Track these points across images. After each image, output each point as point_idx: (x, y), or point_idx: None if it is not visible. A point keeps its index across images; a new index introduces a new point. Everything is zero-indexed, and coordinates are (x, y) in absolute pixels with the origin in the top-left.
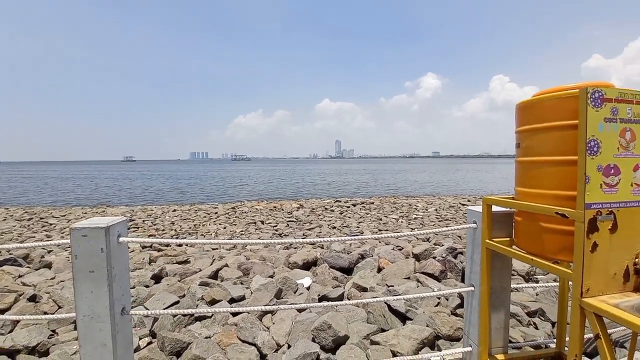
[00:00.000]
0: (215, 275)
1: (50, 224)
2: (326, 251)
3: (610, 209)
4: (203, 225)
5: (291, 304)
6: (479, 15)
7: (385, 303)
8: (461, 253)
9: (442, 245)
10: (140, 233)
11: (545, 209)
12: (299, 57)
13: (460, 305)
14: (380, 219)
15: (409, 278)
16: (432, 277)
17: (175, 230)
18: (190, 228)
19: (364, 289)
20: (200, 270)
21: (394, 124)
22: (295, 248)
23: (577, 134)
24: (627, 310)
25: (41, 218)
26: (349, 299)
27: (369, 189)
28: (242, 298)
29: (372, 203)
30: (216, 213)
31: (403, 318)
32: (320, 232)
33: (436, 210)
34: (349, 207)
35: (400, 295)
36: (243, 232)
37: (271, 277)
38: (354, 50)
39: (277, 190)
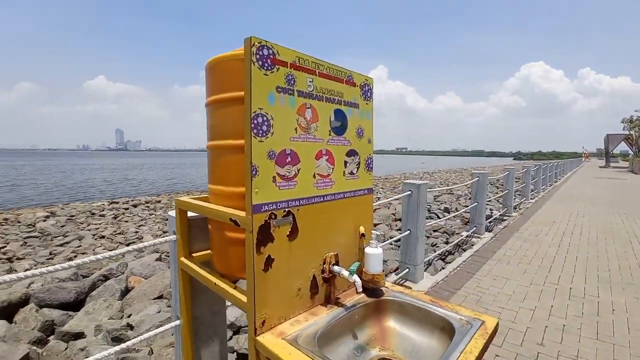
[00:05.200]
0: None
1: None
2: (50, 281)
3: (287, 209)
4: None
5: None
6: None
7: None
8: None
9: None
10: None
11: (219, 213)
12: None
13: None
14: (167, 219)
15: (162, 296)
16: None
17: None
18: None
19: (75, 337)
20: None
21: (191, 115)
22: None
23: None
24: (303, 346)
25: None
26: None
27: (158, 186)
28: None
29: (159, 202)
30: None
31: None
32: (80, 247)
33: None
34: (127, 208)
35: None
36: None
37: None
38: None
39: (16, 196)
